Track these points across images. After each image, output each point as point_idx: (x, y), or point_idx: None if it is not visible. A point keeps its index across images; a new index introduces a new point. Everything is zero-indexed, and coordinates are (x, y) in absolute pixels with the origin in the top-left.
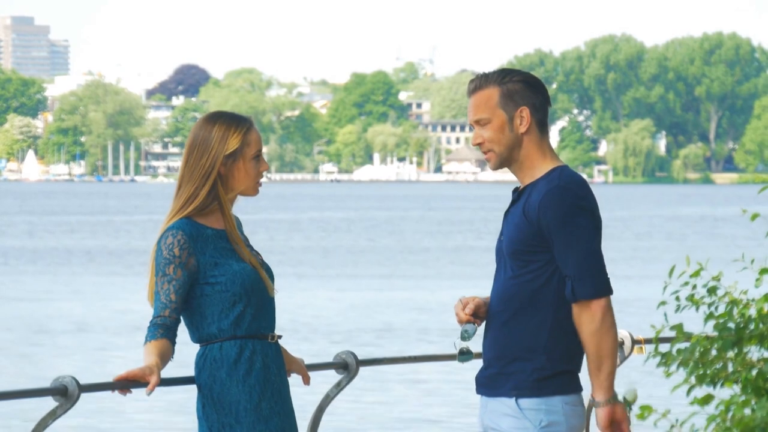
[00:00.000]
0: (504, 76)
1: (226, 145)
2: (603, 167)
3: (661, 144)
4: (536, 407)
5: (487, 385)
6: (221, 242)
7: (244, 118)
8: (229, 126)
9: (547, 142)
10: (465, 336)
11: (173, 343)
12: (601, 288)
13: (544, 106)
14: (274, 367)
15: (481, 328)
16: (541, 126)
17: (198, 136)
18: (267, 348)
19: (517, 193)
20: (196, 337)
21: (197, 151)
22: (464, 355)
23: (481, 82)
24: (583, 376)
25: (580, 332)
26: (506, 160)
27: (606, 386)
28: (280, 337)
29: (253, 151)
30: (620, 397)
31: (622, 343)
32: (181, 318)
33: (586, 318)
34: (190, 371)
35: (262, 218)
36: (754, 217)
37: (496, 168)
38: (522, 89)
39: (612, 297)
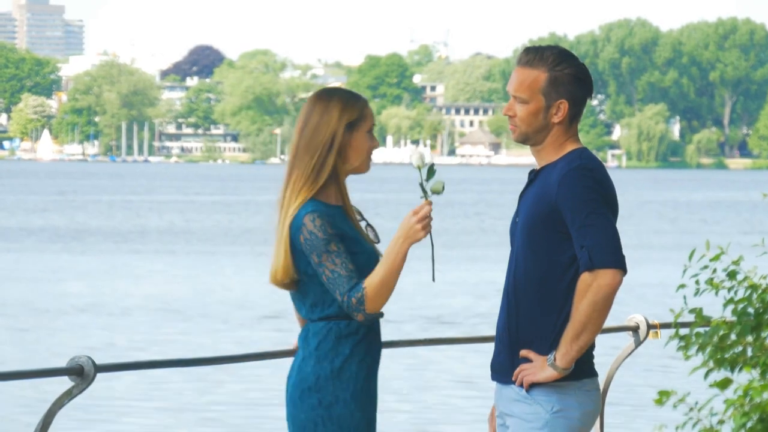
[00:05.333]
0: (557, 63)
1: (348, 115)
2: (616, 151)
3: (675, 129)
4: (548, 392)
5: (500, 371)
6: (348, 218)
7: (359, 94)
8: (348, 98)
9: (574, 128)
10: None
11: None
12: (619, 261)
13: (584, 100)
14: (377, 345)
15: (496, 314)
16: (574, 117)
17: (313, 110)
18: (377, 326)
19: (534, 174)
20: (320, 312)
21: (315, 123)
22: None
23: (533, 59)
24: (597, 360)
25: (580, 298)
26: (529, 139)
27: (572, 357)
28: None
29: (368, 125)
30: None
31: (638, 327)
32: (305, 294)
33: (595, 286)
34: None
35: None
36: None
37: (517, 141)
38: (569, 81)
39: (628, 281)
